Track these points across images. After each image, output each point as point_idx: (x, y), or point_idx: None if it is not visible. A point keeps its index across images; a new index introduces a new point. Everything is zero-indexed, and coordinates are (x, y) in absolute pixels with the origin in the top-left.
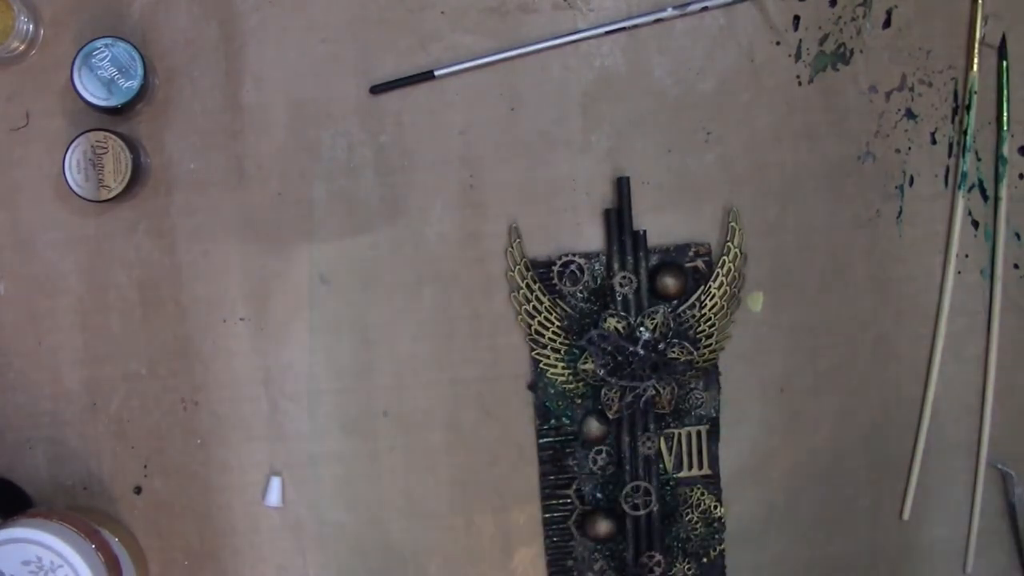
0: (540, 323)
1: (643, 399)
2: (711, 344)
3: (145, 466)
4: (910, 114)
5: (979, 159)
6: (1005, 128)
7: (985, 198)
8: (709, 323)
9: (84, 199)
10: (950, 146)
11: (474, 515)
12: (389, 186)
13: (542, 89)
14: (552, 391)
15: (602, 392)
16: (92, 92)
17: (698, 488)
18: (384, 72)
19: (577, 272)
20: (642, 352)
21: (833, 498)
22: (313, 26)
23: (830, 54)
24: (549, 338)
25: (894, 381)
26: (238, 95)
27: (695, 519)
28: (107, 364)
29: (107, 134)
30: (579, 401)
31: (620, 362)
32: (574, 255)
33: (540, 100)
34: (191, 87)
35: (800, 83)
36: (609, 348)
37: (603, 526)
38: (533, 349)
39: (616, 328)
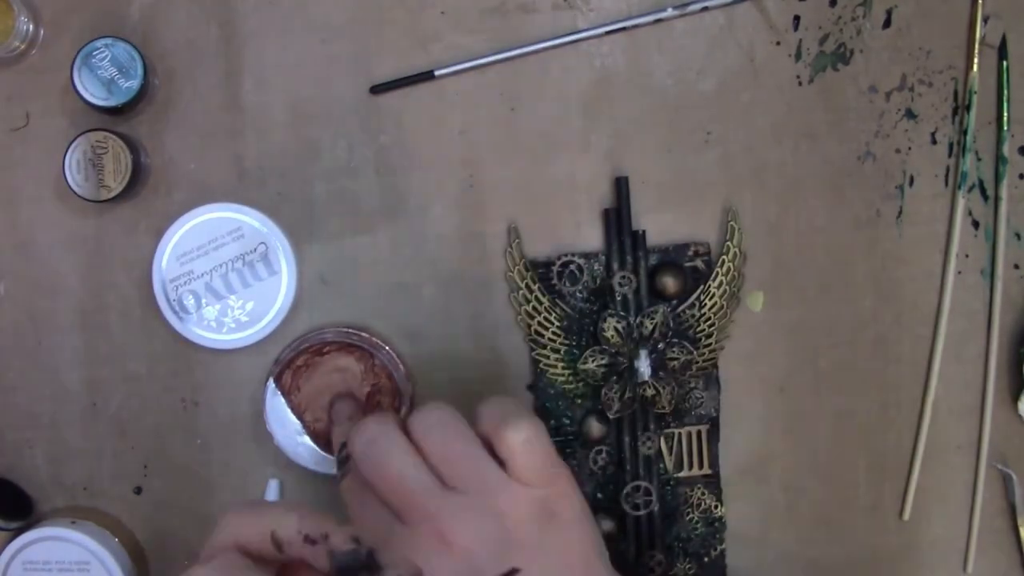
0: (540, 323)
1: (643, 399)
2: (711, 344)
3: (145, 466)
4: (910, 114)
5: (979, 159)
6: (1005, 128)
7: (985, 198)
8: (709, 323)
9: (84, 199)
10: (950, 146)
11: None
12: (389, 186)
13: (542, 89)
14: (552, 391)
15: (602, 392)
16: (92, 92)
17: (699, 488)
18: (384, 72)
19: (576, 272)
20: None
21: (833, 498)
22: (313, 26)
23: (830, 54)
24: (549, 338)
25: (894, 381)
26: (238, 95)
27: (696, 519)
28: (107, 364)
29: (107, 134)
30: (579, 401)
31: (620, 361)
32: (573, 255)
33: (540, 100)
34: (191, 87)
35: (800, 83)
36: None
37: (604, 526)
38: (533, 349)
39: (616, 328)
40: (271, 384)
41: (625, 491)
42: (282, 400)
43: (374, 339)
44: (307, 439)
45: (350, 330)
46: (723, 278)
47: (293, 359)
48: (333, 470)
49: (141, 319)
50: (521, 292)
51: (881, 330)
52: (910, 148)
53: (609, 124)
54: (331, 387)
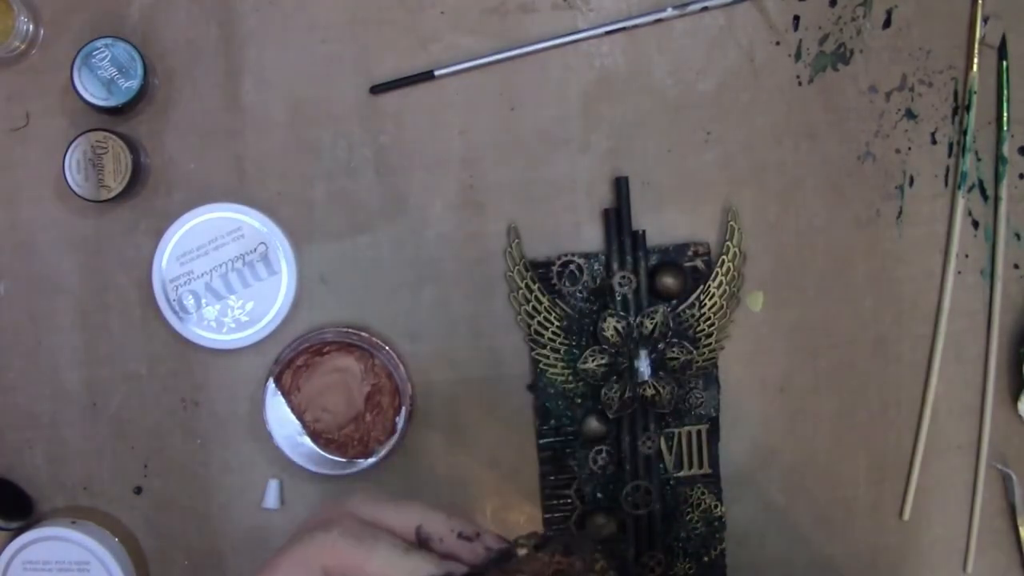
0: (540, 323)
1: (643, 399)
2: (711, 344)
3: (145, 466)
4: (910, 114)
5: (979, 159)
6: (1005, 128)
7: (985, 198)
8: (709, 323)
9: (84, 199)
10: (950, 146)
11: (474, 515)
12: (389, 186)
13: (542, 89)
14: (552, 391)
15: (602, 392)
16: (92, 92)
17: (698, 487)
18: (384, 72)
19: (576, 272)
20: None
21: (833, 498)
22: (313, 26)
23: (830, 54)
24: (549, 338)
25: (894, 381)
26: (238, 95)
27: (696, 518)
28: (107, 364)
29: (107, 134)
30: (579, 401)
31: (620, 361)
32: (573, 255)
33: (540, 100)
34: (191, 87)
35: (800, 83)
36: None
37: (602, 524)
38: (533, 349)
39: (616, 328)
40: (271, 384)
41: (625, 491)
42: (282, 400)
43: (374, 339)
44: (307, 439)
45: (350, 330)
46: (723, 278)
47: (293, 359)
48: (332, 470)
49: (141, 319)
50: (521, 292)
51: (881, 330)
52: (910, 148)
53: (609, 124)
54: (331, 387)
